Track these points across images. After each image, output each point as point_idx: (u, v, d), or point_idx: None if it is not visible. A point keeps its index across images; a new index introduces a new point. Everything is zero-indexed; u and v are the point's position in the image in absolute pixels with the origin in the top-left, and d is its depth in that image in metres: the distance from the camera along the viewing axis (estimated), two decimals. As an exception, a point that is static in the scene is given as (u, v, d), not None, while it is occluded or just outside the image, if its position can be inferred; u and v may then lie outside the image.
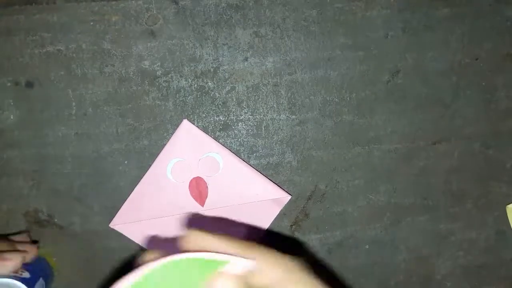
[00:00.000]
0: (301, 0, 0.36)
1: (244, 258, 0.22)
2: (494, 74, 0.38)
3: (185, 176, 0.37)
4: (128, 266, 0.39)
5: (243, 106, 0.38)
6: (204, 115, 0.38)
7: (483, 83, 0.38)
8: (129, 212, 0.38)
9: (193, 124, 0.37)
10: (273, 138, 0.38)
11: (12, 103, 0.37)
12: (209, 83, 0.37)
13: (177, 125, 0.37)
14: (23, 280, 0.33)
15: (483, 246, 0.41)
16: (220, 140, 0.38)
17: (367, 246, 0.40)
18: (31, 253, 0.35)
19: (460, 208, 0.40)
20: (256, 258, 0.22)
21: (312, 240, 0.40)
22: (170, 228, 0.38)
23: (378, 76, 0.38)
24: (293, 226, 0.40)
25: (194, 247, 0.24)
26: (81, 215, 0.38)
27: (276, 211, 0.39)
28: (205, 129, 0.38)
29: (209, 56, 0.37)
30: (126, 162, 0.38)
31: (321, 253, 0.40)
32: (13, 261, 0.32)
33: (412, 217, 0.40)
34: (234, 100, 0.37)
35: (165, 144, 0.37)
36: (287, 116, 0.38)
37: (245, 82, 0.37)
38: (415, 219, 0.40)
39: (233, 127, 0.38)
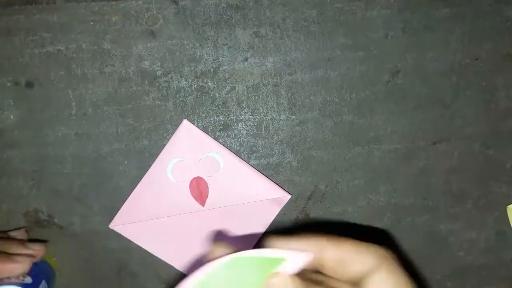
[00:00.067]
0: (301, 0, 0.36)
1: (300, 253, 0.22)
2: (494, 74, 0.38)
3: (186, 176, 0.37)
4: (128, 266, 0.39)
5: (243, 106, 0.38)
6: (204, 115, 0.38)
7: (483, 83, 0.38)
8: (129, 213, 0.38)
9: (193, 124, 0.37)
10: (273, 138, 0.38)
11: (12, 103, 0.37)
12: (209, 83, 0.37)
13: (177, 125, 0.37)
14: (25, 286, 0.32)
15: (483, 246, 0.41)
16: (220, 140, 0.38)
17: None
18: (40, 253, 0.35)
19: (460, 208, 0.40)
20: (332, 251, 0.22)
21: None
22: (170, 228, 0.38)
23: (378, 76, 0.38)
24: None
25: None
26: (81, 215, 0.38)
27: (276, 210, 0.39)
28: (205, 129, 0.38)
29: (209, 56, 0.37)
30: (126, 162, 0.38)
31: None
32: (23, 264, 0.32)
33: (412, 217, 0.40)
34: (234, 100, 0.37)
35: (165, 144, 0.37)
36: (287, 116, 0.38)
37: (245, 82, 0.37)
38: (415, 219, 0.40)
39: (233, 127, 0.38)
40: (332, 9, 0.37)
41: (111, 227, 0.38)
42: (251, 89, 0.37)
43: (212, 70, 0.37)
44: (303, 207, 0.39)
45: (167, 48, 0.36)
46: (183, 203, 0.37)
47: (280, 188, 0.38)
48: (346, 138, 0.38)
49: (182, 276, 0.39)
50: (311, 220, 0.40)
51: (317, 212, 0.39)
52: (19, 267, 0.32)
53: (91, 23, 0.36)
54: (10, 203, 0.38)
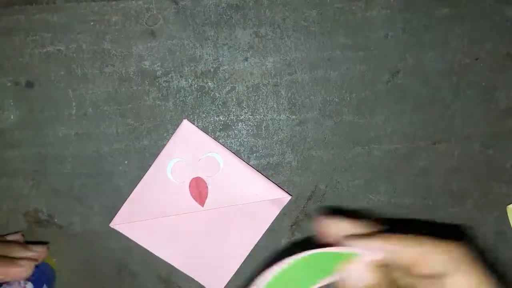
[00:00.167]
0: (301, 0, 0.36)
1: (380, 252, 0.22)
2: (494, 74, 0.38)
3: (185, 176, 0.37)
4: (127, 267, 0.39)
5: (243, 106, 0.38)
6: (204, 115, 0.38)
7: (483, 83, 0.38)
8: (129, 212, 0.38)
9: (193, 124, 0.37)
10: (273, 138, 0.38)
11: (12, 103, 0.37)
12: (209, 83, 0.37)
13: (177, 125, 0.37)
14: None
15: (483, 246, 0.41)
16: (220, 140, 0.38)
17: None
18: (42, 255, 0.35)
19: (460, 208, 0.40)
20: (410, 249, 0.22)
21: (312, 240, 0.40)
22: (170, 228, 0.38)
23: (378, 76, 0.38)
24: (293, 226, 0.40)
25: (333, 236, 0.25)
26: (81, 215, 0.38)
27: (276, 211, 0.39)
28: (205, 129, 0.38)
29: (209, 56, 0.37)
30: (126, 162, 0.38)
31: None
32: (26, 268, 0.32)
33: (412, 217, 0.40)
34: (234, 100, 0.38)
35: (165, 144, 0.37)
36: (287, 116, 0.38)
37: (245, 82, 0.37)
38: (415, 219, 0.40)
39: (233, 127, 0.38)
40: (332, 9, 0.37)
41: (111, 226, 0.38)
42: (251, 89, 0.37)
43: (212, 70, 0.37)
44: (303, 207, 0.39)
45: (167, 48, 0.36)
46: (183, 203, 0.37)
47: (280, 189, 0.38)
48: (346, 138, 0.38)
49: (182, 275, 0.39)
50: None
51: (317, 212, 0.39)
52: (22, 271, 0.32)
53: (91, 23, 0.36)
54: (10, 203, 0.38)
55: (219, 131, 0.38)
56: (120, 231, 0.38)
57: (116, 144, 0.37)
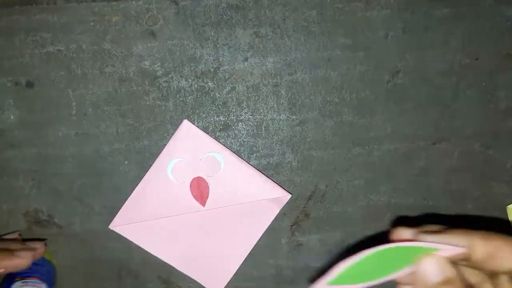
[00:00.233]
0: (301, 0, 0.36)
1: (457, 247, 0.23)
2: (494, 74, 0.38)
3: (186, 176, 0.37)
4: (127, 266, 0.39)
5: (243, 106, 0.38)
6: (204, 115, 0.38)
7: (483, 83, 0.38)
8: (129, 213, 0.38)
9: (193, 124, 0.37)
10: (273, 138, 0.38)
11: (12, 103, 0.37)
12: (209, 83, 0.37)
13: (177, 125, 0.37)
14: None
15: None
16: (220, 140, 0.38)
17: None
18: (40, 251, 0.35)
19: (460, 208, 0.40)
20: (480, 245, 0.23)
21: (312, 240, 0.40)
22: (170, 228, 0.38)
23: (378, 76, 0.38)
24: (293, 226, 0.40)
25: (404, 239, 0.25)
26: (81, 215, 0.38)
27: (276, 210, 0.39)
28: (205, 129, 0.38)
29: (209, 56, 0.37)
30: (126, 162, 0.38)
31: (321, 253, 0.40)
32: (24, 259, 0.33)
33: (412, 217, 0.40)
34: (234, 100, 0.38)
35: (165, 144, 0.37)
36: (287, 116, 0.38)
37: (245, 82, 0.37)
38: (415, 219, 0.40)
39: (233, 127, 0.38)
40: (332, 9, 0.37)
41: (111, 228, 0.38)
42: (251, 89, 0.37)
43: (212, 70, 0.37)
44: (303, 207, 0.39)
45: (167, 48, 0.36)
46: (184, 203, 0.37)
47: (280, 187, 0.38)
48: (346, 138, 0.38)
49: (182, 275, 0.39)
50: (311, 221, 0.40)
51: (317, 212, 0.39)
52: (22, 262, 0.33)
53: (92, 24, 0.36)
54: (10, 203, 0.38)
55: (219, 131, 0.38)
56: (120, 233, 0.38)
57: (116, 144, 0.37)
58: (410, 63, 0.38)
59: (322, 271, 0.39)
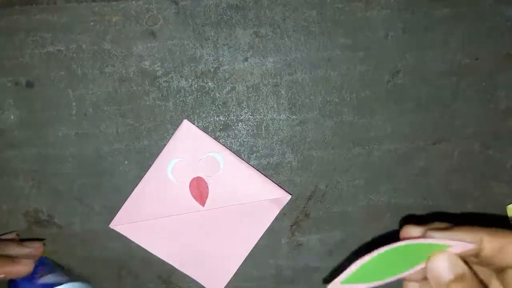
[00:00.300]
0: (301, 0, 0.36)
1: (467, 243, 0.23)
2: (494, 74, 0.38)
3: (186, 176, 0.37)
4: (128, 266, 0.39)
5: (243, 106, 0.38)
6: (204, 115, 0.38)
7: (483, 83, 0.38)
8: (129, 212, 0.38)
9: (193, 124, 0.37)
10: (273, 138, 0.38)
11: (12, 103, 0.37)
12: (209, 83, 0.37)
13: (177, 125, 0.37)
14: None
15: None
16: (220, 140, 0.38)
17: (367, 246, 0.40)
18: (39, 251, 0.35)
19: (460, 208, 0.40)
20: (489, 241, 0.23)
21: (312, 240, 0.40)
22: (170, 228, 0.38)
23: (378, 76, 0.38)
24: (293, 226, 0.40)
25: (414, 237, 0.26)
26: (81, 215, 0.38)
27: (276, 210, 0.39)
28: (205, 129, 0.38)
29: (209, 56, 0.37)
30: (126, 162, 0.38)
31: (321, 253, 0.40)
32: (26, 266, 0.33)
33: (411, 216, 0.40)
34: (234, 100, 0.38)
35: (165, 144, 0.37)
36: (287, 116, 0.38)
37: (245, 82, 0.37)
38: (415, 219, 0.40)
39: (233, 127, 0.38)
40: (332, 9, 0.37)
41: (111, 227, 0.38)
42: (251, 89, 0.37)
43: (212, 70, 0.37)
44: (303, 207, 0.39)
45: (168, 48, 0.36)
46: (183, 203, 0.37)
47: (280, 188, 0.38)
48: (346, 138, 0.38)
49: (182, 275, 0.39)
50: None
51: (317, 212, 0.39)
52: (23, 269, 0.32)
53: (92, 24, 0.36)
54: (10, 203, 0.38)
55: (219, 131, 0.38)
56: (120, 232, 0.38)
57: (116, 144, 0.37)
58: (410, 63, 0.38)
59: (333, 271, 0.39)
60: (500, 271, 0.25)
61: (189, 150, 0.37)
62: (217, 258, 0.39)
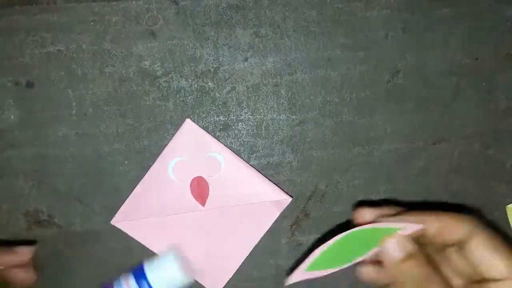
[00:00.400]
0: (301, 0, 0.36)
1: (414, 224, 0.26)
2: (494, 74, 0.38)
3: (187, 175, 0.37)
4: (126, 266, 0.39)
5: (243, 106, 0.38)
6: (204, 115, 0.38)
7: (483, 83, 0.38)
8: (130, 210, 0.38)
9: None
10: (273, 138, 0.38)
11: (12, 103, 0.37)
12: (209, 83, 0.37)
13: (178, 125, 0.37)
14: None
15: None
16: (220, 140, 0.38)
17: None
18: (26, 257, 0.35)
19: (460, 208, 0.40)
20: (432, 221, 0.26)
21: (312, 240, 0.40)
22: (170, 226, 0.38)
23: (378, 76, 0.38)
24: (293, 226, 0.40)
25: (367, 220, 0.28)
26: (81, 215, 0.38)
27: (276, 213, 0.39)
28: (205, 129, 0.38)
29: (209, 56, 0.37)
30: (126, 162, 0.38)
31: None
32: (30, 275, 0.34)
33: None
34: (234, 100, 0.38)
35: (165, 144, 0.37)
36: (287, 116, 0.38)
37: (245, 82, 0.37)
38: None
39: (233, 127, 0.38)
40: (332, 9, 0.37)
41: (112, 223, 0.38)
42: (251, 89, 0.37)
43: (212, 70, 0.37)
44: (303, 207, 0.39)
45: (168, 48, 0.36)
46: (184, 202, 0.37)
47: (281, 190, 0.38)
48: (346, 138, 0.38)
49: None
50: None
51: (317, 212, 0.39)
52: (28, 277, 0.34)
53: (92, 24, 0.36)
54: (10, 203, 0.38)
55: (219, 131, 0.38)
56: (121, 229, 0.38)
57: (116, 144, 0.37)
58: (410, 63, 0.38)
59: (296, 262, 0.40)
60: (441, 250, 0.28)
61: (191, 149, 0.37)
62: (217, 257, 0.39)
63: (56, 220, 0.38)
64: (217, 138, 0.38)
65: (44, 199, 0.38)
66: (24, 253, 0.35)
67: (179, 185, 0.37)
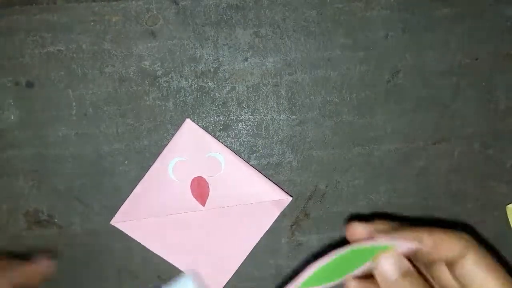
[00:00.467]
0: (301, 0, 0.36)
1: (408, 242, 0.25)
2: (494, 74, 0.38)
3: (187, 175, 0.37)
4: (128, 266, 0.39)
5: (243, 106, 0.38)
6: (204, 115, 0.38)
7: (483, 83, 0.38)
8: (130, 210, 0.38)
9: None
10: (273, 138, 0.38)
11: (12, 103, 0.37)
12: (209, 83, 0.37)
13: (178, 125, 0.37)
14: None
15: (482, 247, 0.41)
16: (220, 140, 0.38)
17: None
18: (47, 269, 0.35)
19: (460, 208, 0.40)
20: (427, 238, 0.26)
21: (312, 240, 0.40)
22: (170, 227, 0.38)
23: (378, 76, 0.38)
24: (293, 226, 0.40)
25: (359, 237, 0.28)
26: (81, 215, 0.38)
27: (276, 212, 0.39)
28: (205, 129, 0.38)
29: (209, 56, 0.37)
30: (126, 162, 0.38)
31: (321, 253, 0.40)
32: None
33: (412, 217, 0.40)
34: (234, 100, 0.38)
35: (165, 144, 0.37)
36: (287, 116, 0.38)
37: (245, 82, 0.37)
38: (415, 219, 0.40)
39: (233, 127, 0.38)
40: (332, 9, 0.37)
41: (112, 224, 0.38)
42: (251, 89, 0.37)
43: (212, 70, 0.37)
44: (303, 207, 0.39)
45: (168, 48, 0.36)
46: (184, 202, 0.38)
47: (281, 190, 0.38)
48: (346, 138, 0.38)
49: (180, 274, 0.39)
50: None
51: (317, 212, 0.39)
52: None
53: (92, 24, 0.36)
54: (10, 203, 0.38)
55: (219, 131, 0.38)
56: (121, 229, 0.38)
57: (116, 144, 0.37)
58: (410, 63, 0.38)
59: (286, 278, 0.40)
60: (430, 265, 0.28)
61: (191, 149, 0.37)
62: (217, 257, 0.39)
63: (56, 220, 0.38)
64: (217, 138, 0.38)
65: (44, 199, 0.38)
66: (44, 265, 0.35)
67: (179, 185, 0.37)
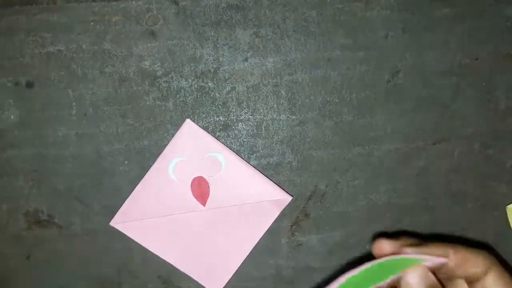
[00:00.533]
0: (301, 0, 0.36)
1: (435, 257, 0.26)
2: (494, 74, 0.38)
3: (187, 175, 0.37)
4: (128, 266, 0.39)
5: (243, 106, 0.38)
6: (204, 115, 0.38)
7: (483, 83, 0.38)
8: (130, 210, 0.38)
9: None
10: (273, 138, 0.38)
11: (12, 103, 0.37)
12: (209, 83, 0.37)
13: (177, 125, 0.37)
14: None
15: (483, 247, 0.41)
16: (220, 141, 0.38)
17: (367, 246, 0.40)
18: None
19: (460, 208, 0.40)
20: (454, 255, 0.26)
21: (312, 240, 0.40)
22: (171, 227, 0.38)
23: (378, 76, 0.38)
24: (293, 226, 0.40)
25: (386, 253, 0.28)
26: (81, 215, 0.38)
27: (276, 212, 0.39)
28: (205, 129, 0.38)
29: (209, 56, 0.37)
30: (126, 162, 0.38)
31: (321, 253, 0.40)
32: None
33: (412, 217, 0.40)
34: (234, 100, 0.38)
35: (165, 144, 0.37)
36: (287, 116, 0.38)
37: (245, 82, 0.37)
38: (415, 219, 0.40)
39: (233, 127, 0.38)
40: (332, 9, 0.37)
41: (112, 225, 0.38)
42: (251, 89, 0.37)
43: (212, 70, 0.37)
44: (303, 207, 0.39)
45: (168, 48, 0.36)
46: (184, 202, 0.38)
47: (281, 190, 0.38)
48: (346, 138, 0.38)
49: (182, 275, 0.39)
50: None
51: (317, 212, 0.39)
52: None
53: (92, 24, 0.36)
54: (10, 203, 0.38)
55: (219, 131, 0.38)
56: (120, 230, 0.38)
57: (116, 144, 0.37)
58: (410, 63, 0.38)
59: (326, 280, 0.39)
60: (450, 281, 0.28)
61: (191, 149, 0.37)
62: (217, 257, 0.39)
63: (56, 220, 0.38)
64: (217, 138, 0.38)
65: (44, 199, 0.38)
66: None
67: (179, 185, 0.37)
